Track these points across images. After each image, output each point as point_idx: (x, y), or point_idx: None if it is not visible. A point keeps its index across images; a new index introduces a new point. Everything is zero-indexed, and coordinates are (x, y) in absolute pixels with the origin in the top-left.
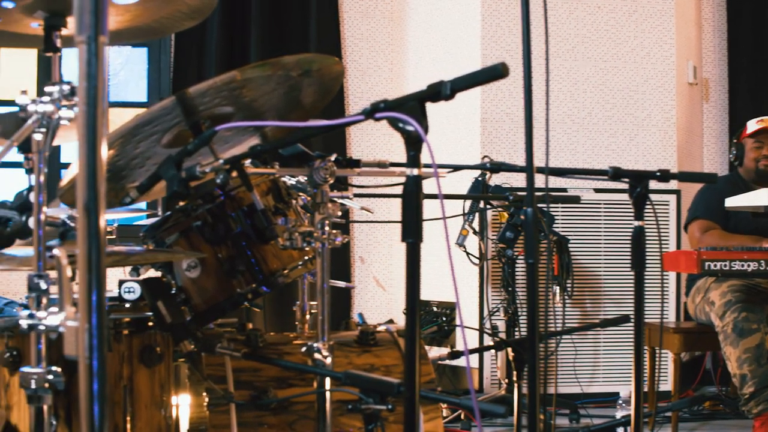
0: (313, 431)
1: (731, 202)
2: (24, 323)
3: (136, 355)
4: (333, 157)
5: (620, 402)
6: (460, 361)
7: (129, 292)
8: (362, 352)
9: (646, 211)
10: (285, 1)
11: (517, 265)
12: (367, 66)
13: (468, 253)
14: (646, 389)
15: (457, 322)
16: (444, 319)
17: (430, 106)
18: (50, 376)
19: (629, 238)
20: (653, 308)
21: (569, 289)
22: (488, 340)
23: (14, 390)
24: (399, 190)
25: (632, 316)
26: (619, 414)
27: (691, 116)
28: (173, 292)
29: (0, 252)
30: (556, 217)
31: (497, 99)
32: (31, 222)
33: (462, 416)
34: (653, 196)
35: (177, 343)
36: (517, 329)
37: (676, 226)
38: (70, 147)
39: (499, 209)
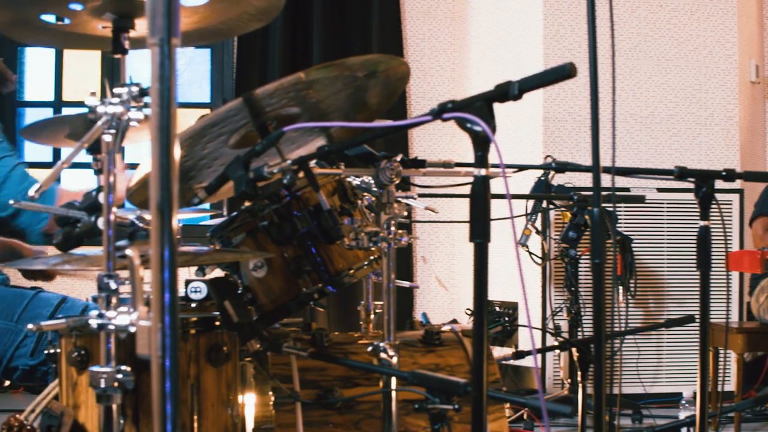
0: (378, 430)
1: None
2: (94, 323)
3: (203, 354)
4: (399, 158)
5: (683, 402)
6: (522, 361)
7: (196, 291)
8: (427, 352)
9: (711, 210)
10: (347, 1)
11: (579, 265)
12: (429, 66)
13: (531, 253)
14: (709, 390)
15: (524, 322)
16: (506, 319)
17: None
18: (119, 376)
19: (692, 237)
20: (716, 308)
21: (632, 289)
22: (551, 340)
23: (82, 389)
24: (462, 190)
25: (697, 316)
26: (682, 414)
27: (753, 114)
28: (240, 291)
29: (69, 252)
30: (619, 217)
31: (559, 98)
32: (100, 222)
33: (524, 416)
34: (716, 196)
35: (244, 342)
36: (579, 329)
37: (739, 226)
38: (134, 148)
39: (562, 209)
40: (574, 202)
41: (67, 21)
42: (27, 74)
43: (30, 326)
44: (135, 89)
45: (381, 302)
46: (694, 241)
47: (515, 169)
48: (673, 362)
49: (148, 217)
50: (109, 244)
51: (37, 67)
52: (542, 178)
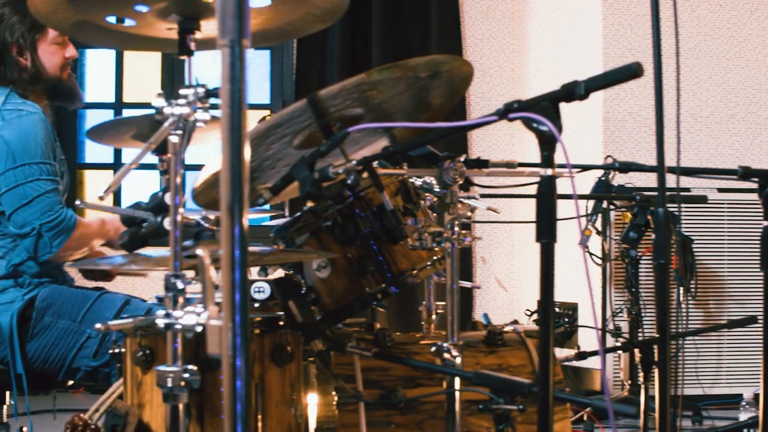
0: (440, 431)
1: None
2: (161, 322)
3: (267, 354)
4: (462, 158)
5: (743, 404)
6: (582, 362)
7: (259, 291)
8: (490, 353)
9: None
10: (406, 2)
11: (640, 266)
12: (488, 66)
13: (591, 254)
14: None
15: (586, 323)
16: (566, 319)
17: None
18: (186, 375)
19: (753, 237)
20: None
21: (692, 289)
22: (611, 341)
23: (146, 388)
24: (524, 190)
25: (759, 317)
26: (742, 416)
27: None
28: (303, 291)
29: (135, 253)
30: (679, 218)
31: (619, 98)
32: (166, 223)
33: (585, 417)
34: None
35: (308, 342)
36: (640, 330)
37: None
38: (196, 149)
39: (623, 209)
40: (636, 202)
41: (132, 23)
42: (87, 76)
43: (97, 326)
44: (201, 90)
45: (442, 303)
46: (756, 242)
47: (578, 169)
48: (734, 363)
49: (212, 217)
50: (175, 244)
51: (97, 69)
52: (603, 179)
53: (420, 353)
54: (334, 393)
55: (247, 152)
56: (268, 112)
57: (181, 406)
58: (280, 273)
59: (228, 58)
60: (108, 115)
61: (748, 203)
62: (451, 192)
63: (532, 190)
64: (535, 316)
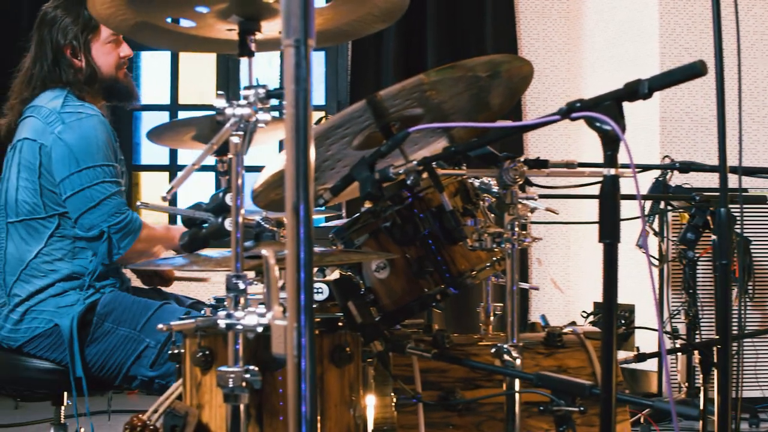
0: None
1: None
2: (222, 323)
3: (326, 355)
4: (522, 158)
5: None
6: (638, 364)
7: (317, 292)
8: (548, 354)
9: None
10: (461, 2)
11: (698, 267)
12: (544, 65)
13: (648, 255)
14: None
15: (643, 324)
16: (623, 321)
17: None
18: (247, 375)
19: None
20: None
21: (750, 291)
22: (668, 343)
23: (206, 389)
24: (583, 190)
25: None
26: None
27: None
28: (362, 292)
29: (196, 253)
30: (736, 218)
31: (676, 98)
32: (227, 224)
33: (641, 419)
34: None
35: (367, 343)
36: (697, 332)
37: None
38: (253, 150)
39: (680, 210)
40: (696, 203)
41: (191, 24)
42: (143, 78)
43: (160, 326)
44: (262, 91)
45: (500, 304)
46: None
47: (639, 169)
48: None
49: (273, 218)
50: (237, 245)
51: (152, 70)
52: (660, 179)
53: (478, 355)
54: (392, 394)
55: (312, 153)
56: (323, 113)
57: (241, 406)
58: (336, 274)
59: (293, 59)
60: (163, 116)
61: None
62: (511, 192)
63: (590, 190)
64: (591, 318)
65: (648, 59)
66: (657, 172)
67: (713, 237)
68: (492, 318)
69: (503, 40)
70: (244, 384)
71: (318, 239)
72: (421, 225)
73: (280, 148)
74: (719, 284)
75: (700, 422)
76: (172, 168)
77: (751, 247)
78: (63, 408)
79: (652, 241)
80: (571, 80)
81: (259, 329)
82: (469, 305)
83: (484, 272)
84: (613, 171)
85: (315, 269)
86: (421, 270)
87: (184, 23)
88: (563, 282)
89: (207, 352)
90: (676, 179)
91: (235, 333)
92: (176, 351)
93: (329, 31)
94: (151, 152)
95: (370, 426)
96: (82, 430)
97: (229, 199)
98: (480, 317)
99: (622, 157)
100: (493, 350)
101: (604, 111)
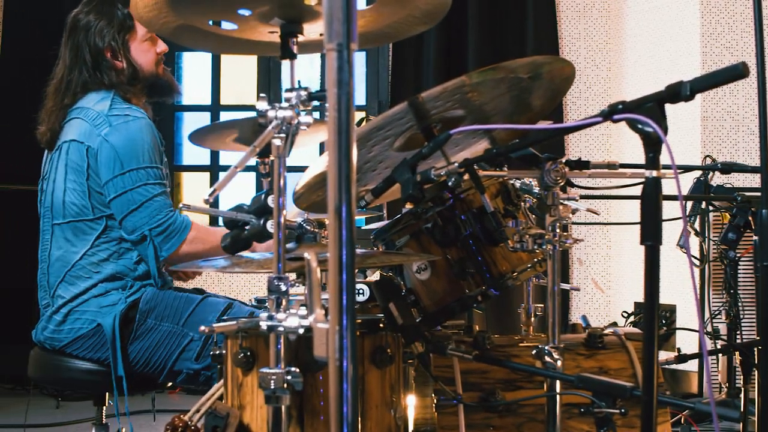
0: None
1: None
2: (264, 324)
3: (367, 356)
4: (564, 159)
5: None
6: (679, 365)
7: (359, 293)
8: (589, 356)
9: None
10: (501, 2)
11: (739, 268)
12: (585, 65)
13: (689, 255)
14: None
15: (685, 325)
16: (664, 321)
17: None
18: (289, 377)
19: None
20: None
21: None
22: (709, 344)
23: (247, 390)
24: (625, 191)
25: None
26: None
27: None
28: (403, 293)
29: (238, 255)
30: None
31: (717, 97)
32: (269, 225)
33: (682, 420)
34: None
35: (408, 344)
36: (738, 332)
37: None
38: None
39: (721, 210)
40: (737, 203)
41: (233, 26)
42: (184, 79)
43: (202, 328)
44: (304, 93)
45: (540, 305)
46: None
47: (681, 170)
48: None
49: (313, 219)
50: (279, 246)
51: (194, 71)
52: (701, 179)
53: (519, 356)
54: (433, 395)
55: (354, 155)
56: (363, 113)
57: (283, 407)
58: (377, 275)
59: (335, 62)
60: (205, 117)
61: None
62: (553, 194)
63: (631, 191)
64: (632, 318)
65: (689, 58)
66: (698, 172)
67: (755, 237)
68: (533, 319)
69: (544, 41)
70: (285, 385)
71: (359, 240)
72: (462, 226)
73: (321, 150)
74: (761, 285)
75: (741, 423)
76: (214, 168)
77: None
78: (105, 408)
79: (694, 241)
80: (612, 79)
81: (301, 331)
82: (510, 306)
83: (525, 273)
84: (655, 173)
85: (356, 270)
86: (462, 271)
87: (226, 26)
88: (604, 282)
89: (248, 353)
90: (718, 179)
91: (276, 335)
92: (218, 352)
93: (371, 33)
94: (193, 153)
95: (411, 427)
96: (124, 430)
97: (271, 201)
98: (521, 318)
99: (663, 158)
100: (534, 351)
101: (646, 113)
